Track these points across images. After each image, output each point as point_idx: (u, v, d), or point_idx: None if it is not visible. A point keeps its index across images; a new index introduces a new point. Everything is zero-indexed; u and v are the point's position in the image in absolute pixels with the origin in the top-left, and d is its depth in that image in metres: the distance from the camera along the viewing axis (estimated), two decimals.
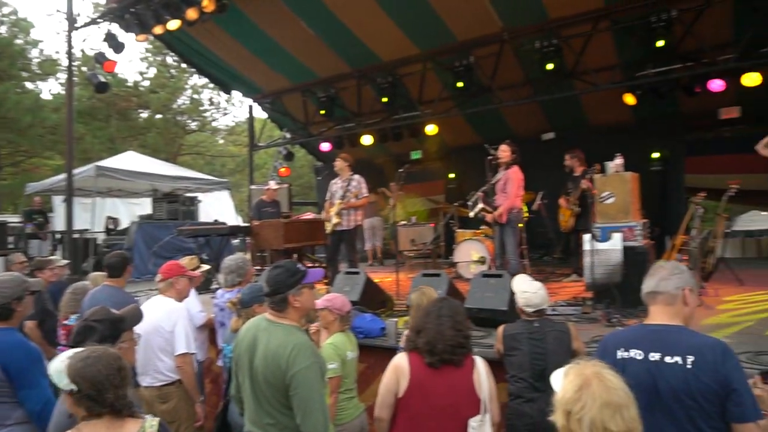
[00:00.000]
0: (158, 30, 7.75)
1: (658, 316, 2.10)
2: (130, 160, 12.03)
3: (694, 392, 1.91)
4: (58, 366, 1.83)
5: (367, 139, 10.53)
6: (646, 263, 5.15)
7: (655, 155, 9.62)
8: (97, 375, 1.79)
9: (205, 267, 4.79)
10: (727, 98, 8.28)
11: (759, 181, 9.31)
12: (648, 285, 2.13)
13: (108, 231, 11.37)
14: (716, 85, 7.32)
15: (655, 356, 2.01)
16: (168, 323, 3.50)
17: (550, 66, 7.58)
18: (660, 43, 6.81)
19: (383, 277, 8.01)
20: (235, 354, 2.50)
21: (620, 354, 2.08)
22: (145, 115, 22.55)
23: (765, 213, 12.66)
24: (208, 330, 4.71)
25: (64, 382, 1.80)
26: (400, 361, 2.55)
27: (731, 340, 3.85)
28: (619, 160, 5.51)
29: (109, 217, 11.89)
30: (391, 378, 2.53)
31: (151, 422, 1.86)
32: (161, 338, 3.48)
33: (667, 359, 1.98)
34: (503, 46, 8.22)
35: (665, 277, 2.10)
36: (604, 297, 5.06)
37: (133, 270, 9.21)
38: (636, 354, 2.05)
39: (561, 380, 1.57)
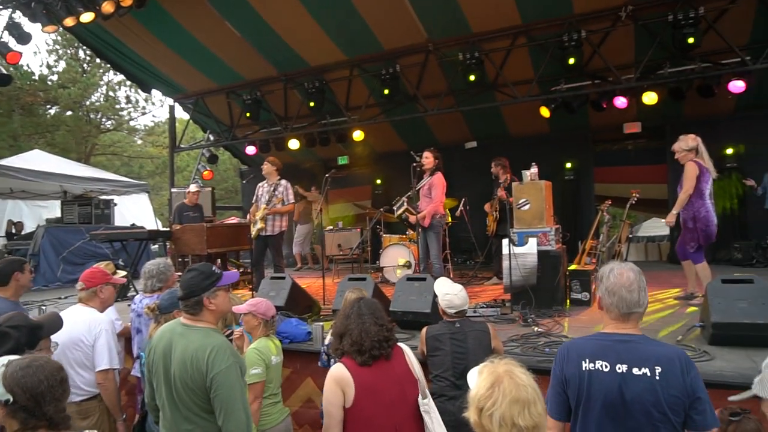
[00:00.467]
0: (69, 22, 7.29)
1: (624, 327, 2.07)
2: (35, 160, 11.20)
3: (662, 404, 1.90)
4: None
5: (293, 144, 10.45)
6: (558, 266, 5.52)
7: (568, 165, 10.27)
8: (38, 386, 1.67)
9: (122, 273, 4.59)
10: (630, 114, 9.00)
11: (657, 191, 10.18)
12: (631, 301, 2.04)
13: (9, 235, 10.53)
14: (620, 102, 7.93)
15: (622, 368, 1.97)
16: (89, 336, 3.30)
17: (472, 77, 7.89)
18: (571, 61, 7.29)
19: (310, 282, 7.98)
20: (149, 360, 2.43)
21: (585, 365, 2.02)
22: (53, 111, 21.01)
23: (663, 220, 13.78)
24: (124, 339, 4.51)
25: None
26: (339, 370, 2.50)
27: None
28: (534, 169, 5.84)
29: (11, 221, 11.02)
30: (333, 390, 2.47)
31: None
32: (80, 352, 3.28)
33: (635, 371, 1.95)
34: (428, 56, 8.47)
35: (642, 292, 2.06)
36: (520, 298, 5.34)
37: (38, 277, 8.65)
38: (602, 365, 2.00)
39: (475, 378, 1.63)
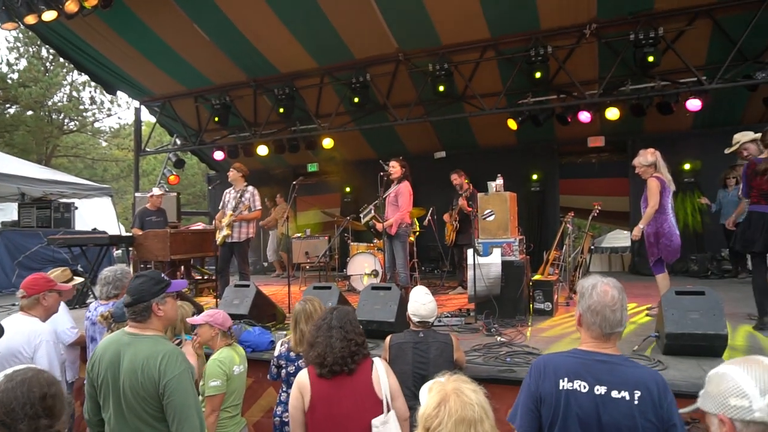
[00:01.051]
0: (30, 20, 7.07)
1: (604, 346, 2.01)
2: None
3: (638, 429, 1.85)
4: None
5: (262, 150, 10.36)
6: (522, 276, 5.60)
7: (535, 177, 10.47)
8: (11, 402, 1.58)
9: (79, 279, 4.45)
10: (594, 128, 9.25)
11: (619, 204, 10.48)
12: (614, 320, 1.99)
13: None
14: (584, 116, 8.16)
15: (600, 389, 1.91)
16: (28, 348, 3.11)
17: (441, 88, 7.99)
18: (538, 75, 7.47)
19: (276, 290, 7.90)
20: (93, 374, 2.34)
21: (563, 384, 1.96)
22: (12, 110, 20.32)
23: (626, 232, 14.17)
24: (80, 348, 4.38)
25: None
26: (302, 377, 2.62)
27: None
28: (499, 181, 5.93)
29: None
30: (296, 395, 2.59)
31: None
32: (18, 364, 3.13)
33: (614, 394, 1.89)
34: (398, 66, 8.55)
35: (624, 311, 2.02)
36: (484, 308, 5.39)
37: None
38: (580, 386, 1.94)
39: (425, 394, 1.61)
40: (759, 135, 5.16)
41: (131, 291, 2.37)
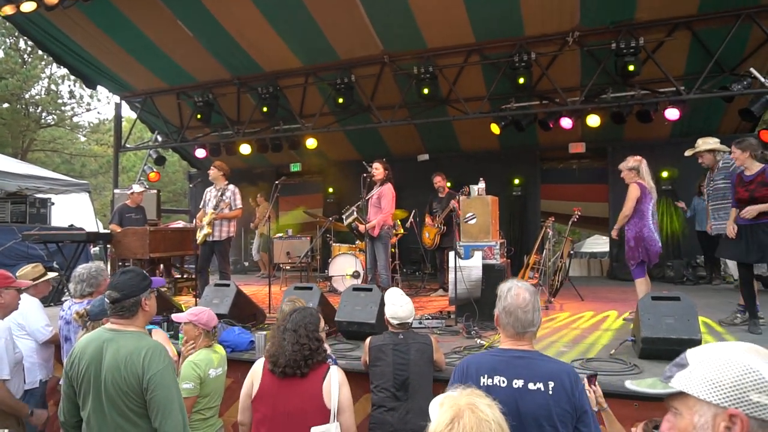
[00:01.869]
0: (8, 10, 6.93)
1: (519, 344, 2.17)
2: None
3: (554, 417, 2.01)
4: None
5: (245, 149, 10.28)
6: (502, 280, 5.63)
7: (516, 181, 10.58)
8: None
9: (52, 275, 4.37)
10: (575, 135, 9.38)
11: (599, 209, 10.63)
12: (525, 321, 2.15)
13: None
14: (566, 122, 8.25)
15: (518, 383, 2.06)
16: None
17: (426, 91, 8.03)
18: (521, 81, 7.55)
19: (257, 290, 7.85)
20: (72, 373, 2.31)
21: (483, 381, 2.09)
22: None
23: (605, 237, 14.39)
24: (54, 346, 4.29)
25: None
26: (257, 365, 2.69)
27: (566, 348, 4.36)
28: (481, 184, 5.97)
29: None
30: (248, 382, 2.66)
31: None
32: None
33: (530, 386, 2.05)
34: (383, 68, 8.56)
35: (536, 312, 2.19)
36: (465, 310, 5.43)
37: None
38: (500, 381, 2.08)
39: (436, 409, 1.49)
40: (716, 145, 5.33)
41: (119, 287, 2.35)
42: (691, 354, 1.22)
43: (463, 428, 1.37)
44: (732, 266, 5.56)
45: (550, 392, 2.03)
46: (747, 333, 4.73)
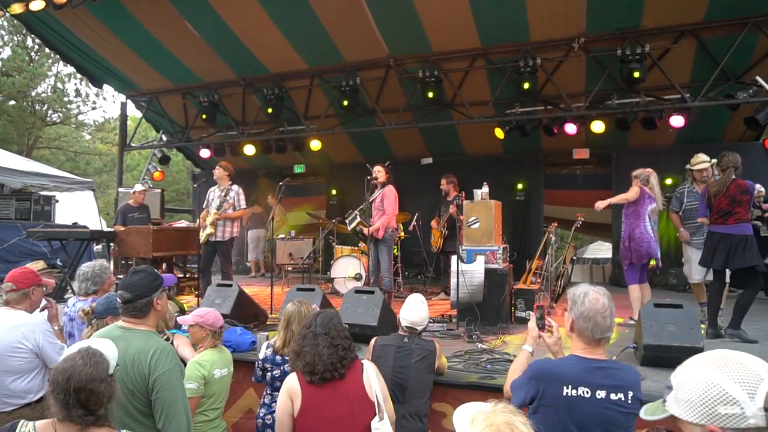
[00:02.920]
0: (17, 8, 6.98)
1: (595, 351, 2.16)
2: None
3: (629, 427, 2.06)
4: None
5: (249, 149, 10.30)
6: (504, 284, 5.65)
7: (520, 186, 10.56)
8: (54, 384, 1.74)
9: (52, 270, 4.39)
10: (579, 140, 9.38)
11: (602, 216, 10.59)
12: (604, 326, 2.13)
13: None
14: (570, 128, 8.25)
15: (601, 393, 2.06)
16: (22, 339, 3.07)
17: (430, 95, 8.04)
18: (526, 86, 7.55)
19: (259, 291, 7.86)
20: None
21: (567, 391, 2.08)
22: None
23: (608, 243, 14.35)
24: None
25: None
26: (291, 382, 2.61)
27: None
28: (485, 189, 5.98)
29: None
30: (285, 400, 2.58)
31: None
32: (15, 358, 3.06)
33: (612, 396, 2.05)
34: (388, 71, 8.58)
35: (613, 317, 2.17)
36: (466, 315, 5.43)
37: None
38: (584, 392, 2.06)
39: (467, 426, 1.38)
40: (706, 164, 5.44)
41: (131, 287, 2.36)
42: (673, 375, 1.31)
43: None
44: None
45: (629, 401, 2.05)
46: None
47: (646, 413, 1.36)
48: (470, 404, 1.44)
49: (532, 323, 2.63)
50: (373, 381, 2.63)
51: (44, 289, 3.46)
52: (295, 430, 2.55)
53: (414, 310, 3.43)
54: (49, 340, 3.17)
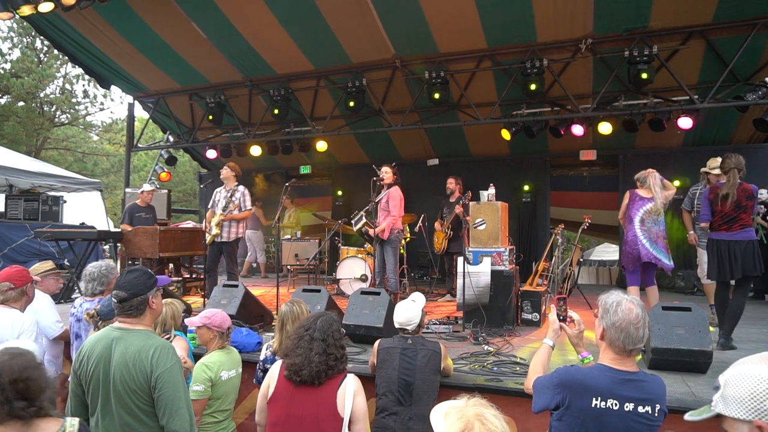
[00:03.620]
0: (26, 10, 7.00)
1: (625, 363, 2.12)
2: None
3: None
4: None
5: (255, 150, 10.33)
6: (511, 286, 5.62)
7: (526, 187, 10.53)
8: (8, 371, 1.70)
9: (60, 271, 4.42)
10: (586, 142, 9.34)
11: (609, 217, 10.55)
12: (636, 338, 2.09)
13: None
14: (577, 129, 8.21)
15: (629, 406, 2.04)
16: (11, 338, 3.13)
17: (437, 96, 8.02)
18: (533, 87, 7.52)
19: (265, 292, 7.87)
20: (81, 369, 2.33)
21: (596, 402, 2.07)
22: (3, 101, 20.09)
23: (615, 245, 14.29)
24: (64, 343, 4.32)
25: None
26: (275, 368, 2.71)
27: (575, 357, 4.32)
28: (491, 190, 5.96)
29: None
30: (265, 383, 2.72)
31: (72, 422, 1.78)
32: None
33: (640, 409, 2.04)
34: (395, 72, 8.57)
35: (646, 328, 2.13)
36: (472, 316, 5.41)
37: None
38: (612, 404, 2.05)
39: (441, 421, 1.48)
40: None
41: (126, 286, 2.36)
42: (721, 375, 1.32)
43: None
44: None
45: (656, 414, 2.05)
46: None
47: (691, 415, 1.36)
48: (445, 402, 1.52)
49: (553, 316, 2.59)
50: (348, 397, 2.57)
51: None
52: (267, 414, 2.63)
53: (402, 309, 3.43)
54: (29, 339, 3.18)
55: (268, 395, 2.63)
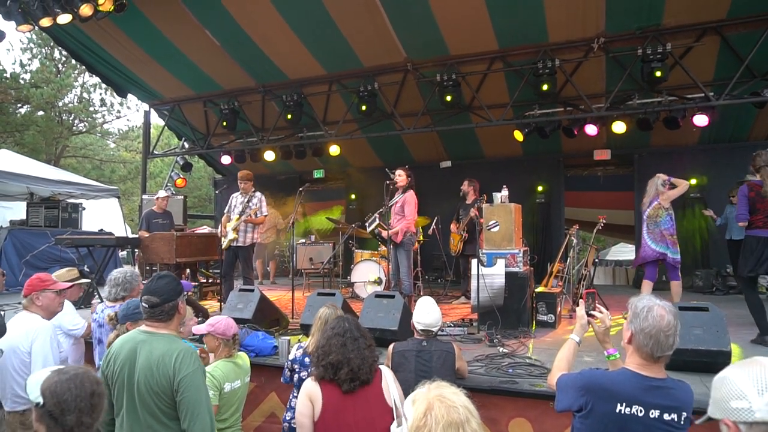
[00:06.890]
0: (45, 22, 7.17)
1: (654, 369, 2.06)
2: (2, 159, 10.89)
3: None
4: (38, 377, 1.76)
5: (269, 155, 10.41)
6: (525, 288, 5.61)
7: (540, 188, 10.48)
8: (64, 393, 1.70)
9: (84, 280, 4.50)
10: (600, 142, 9.27)
11: (624, 217, 10.47)
12: (666, 345, 2.02)
13: None
14: (591, 129, 8.15)
15: (654, 413, 2.00)
16: (26, 342, 3.24)
17: (448, 98, 8.02)
18: (545, 88, 7.48)
19: (280, 296, 7.93)
20: (108, 370, 2.39)
21: (620, 408, 2.02)
22: (24, 110, 20.51)
23: (631, 245, 14.13)
24: (86, 347, 4.41)
25: (34, 395, 1.73)
26: (311, 386, 2.63)
27: (590, 358, 4.30)
28: (504, 192, 5.95)
29: None
30: (305, 403, 2.60)
31: None
32: (18, 359, 3.21)
33: (666, 416, 1.99)
34: (406, 75, 8.60)
35: (677, 336, 2.05)
36: (487, 318, 5.40)
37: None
38: (637, 411, 2.00)
39: (410, 407, 1.63)
40: None
41: (158, 291, 2.41)
42: (713, 380, 1.43)
43: (435, 418, 1.52)
44: None
45: (681, 422, 2.00)
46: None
47: (698, 420, 1.48)
48: (414, 392, 1.68)
49: (581, 311, 2.56)
50: (391, 386, 2.66)
51: (57, 293, 3.54)
52: None
53: (427, 312, 3.43)
54: (40, 347, 3.26)
55: (315, 416, 2.56)
